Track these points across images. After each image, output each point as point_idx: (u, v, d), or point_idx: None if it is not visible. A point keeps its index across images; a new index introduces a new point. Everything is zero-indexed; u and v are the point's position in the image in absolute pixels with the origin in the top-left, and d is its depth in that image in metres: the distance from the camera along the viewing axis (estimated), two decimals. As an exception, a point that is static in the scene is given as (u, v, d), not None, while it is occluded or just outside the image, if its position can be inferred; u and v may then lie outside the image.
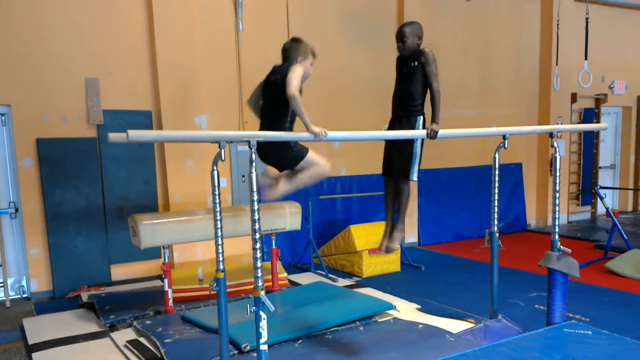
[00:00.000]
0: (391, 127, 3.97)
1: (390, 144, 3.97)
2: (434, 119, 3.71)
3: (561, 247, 3.98)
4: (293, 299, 4.99)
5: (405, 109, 3.84)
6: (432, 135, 3.63)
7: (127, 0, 5.95)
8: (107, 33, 5.87)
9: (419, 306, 5.01)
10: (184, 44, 6.14)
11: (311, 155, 3.43)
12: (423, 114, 3.83)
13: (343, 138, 3.95)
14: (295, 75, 3.22)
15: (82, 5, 5.73)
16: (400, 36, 3.80)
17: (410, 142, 3.79)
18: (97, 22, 5.81)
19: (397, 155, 3.84)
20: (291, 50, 3.44)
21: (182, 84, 6.17)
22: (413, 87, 3.79)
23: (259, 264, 2.88)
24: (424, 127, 3.81)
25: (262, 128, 3.43)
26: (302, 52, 3.43)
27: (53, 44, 5.62)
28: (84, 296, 5.39)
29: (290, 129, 3.38)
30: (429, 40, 7.86)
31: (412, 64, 3.80)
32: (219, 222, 3.21)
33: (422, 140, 3.79)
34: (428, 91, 3.82)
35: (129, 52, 6.01)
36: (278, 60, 3.56)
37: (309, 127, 3.16)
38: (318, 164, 3.44)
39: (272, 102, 3.40)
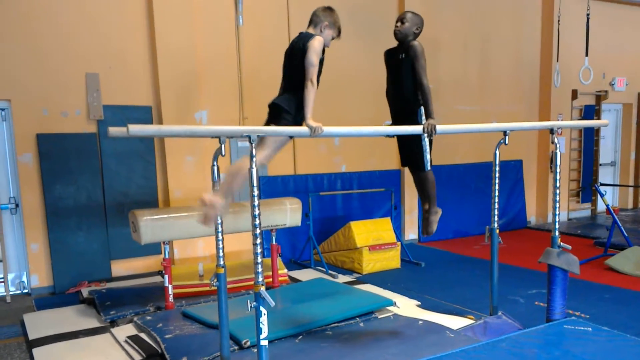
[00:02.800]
0: (395, 123, 4.02)
1: (400, 141, 4.07)
2: (428, 115, 3.72)
3: (561, 243, 3.99)
4: (293, 295, 4.99)
5: (404, 105, 3.90)
6: (431, 130, 3.62)
7: (128, -4, 5.94)
8: (107, 28, 5.86)
9: (419, 302, 5.02)
10: (184, 39, 6.12)
11: (279, 138, 3.37)
12: (422, 106, 3.88)
13: (341, 133, 3.97)
14: (313, 56, 3.30)
15: (83, 0, 5.71)
16: (401, 19, 3.89)
17: (418, 137, 3.88)
18: (98, 16, 5.80)
19: (409, 150, 3.96)
20: (320, 15, 3.54)
21: (183, 79, 6.16)
22: (406, 82, 3.84)
23: (259, 260, 2.87)
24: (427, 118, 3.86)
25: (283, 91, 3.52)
26: (331, 22, 3.53)
27: (53, 39, 5.61)
28: (85, 292, 5.40)
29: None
30: (429, 35, 7.87)
31: (400, 56, 3.85)
32: (219, 218, 3.20)
33: None
34: None
35: (129, 47, 5.99)
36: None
37: (307, 120, 3.20)
38: (266, 150, 3.31)
39: (292, 72, 3.45)
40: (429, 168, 3.96)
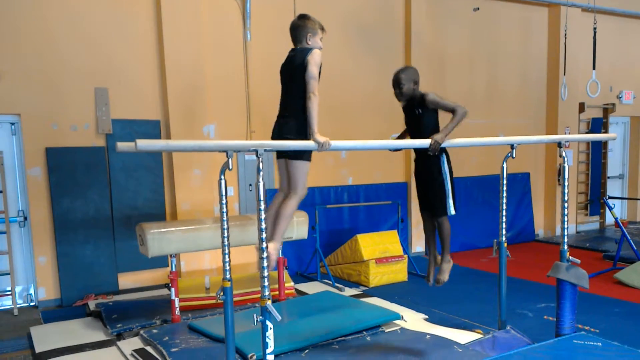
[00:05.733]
0: (417, 168, 4.00)
1: (421, 182, 4.00)
2: (443, 130, 3.68)
3: (570, 257, 3.96)
4: (300, 308, 4.97)
5: (427, 151, 3.82)
6: (435, 146, 3.61)
7: (136, 11, 6.02)
8: (116, 43, 5.93)
9: (427, 316, 4.98)
10: (193, 54, 6.19)
11: (305, 168, 3.45)
12: (445, 150, 3.84)
13: (349, 147, 3.96)
14: (314, 69, 3.26)
15: (92, 16, 5.80)
16: (397, 83, 3.81)
17: (441, 180, 3.82)
18: (107, 32, 5.87)
19: (431, 192, 3.89)
20: (299, 30, 3.46)
21: (191, 93, 6.21)
22: (426, 130, 3.78)
23: (265, 273, 2.88)
24: (448, 162, 3.84)
25: (281, 115, 3.47)
26: (311, 29, 3.44)
27: (63, 54, 5.68)
28: (91, 304, 5.40)
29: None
30: (436, 50, 7.92)
31: (417, 112, 3.80)
32: (226, 231, 3.21)
33: (451, 174, 3.83)
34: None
35: (138, 62, 6.06)
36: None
37: (314, 135, 3.17)
38: (300, 185, 3.49)
39: (294, 89, 3.41)
40: (452, 212, 3.86)
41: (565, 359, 3.50)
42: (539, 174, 9.27)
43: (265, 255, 2.89)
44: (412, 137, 3.92)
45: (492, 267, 6.60)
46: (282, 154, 3.52)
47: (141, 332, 4.47)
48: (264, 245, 2.87)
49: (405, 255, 6.55)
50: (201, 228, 4.79)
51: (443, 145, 3.68)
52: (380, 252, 6.34)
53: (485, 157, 8.42)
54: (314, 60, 3.32)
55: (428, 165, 3.87)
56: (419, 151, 3.95)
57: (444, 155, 3.84)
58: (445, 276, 3.97)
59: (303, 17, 3.49)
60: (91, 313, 5.23)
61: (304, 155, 3.42)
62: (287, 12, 6.80)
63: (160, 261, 5.96)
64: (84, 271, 5.81)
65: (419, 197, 4.08)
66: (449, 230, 3.96)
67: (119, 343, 4.38)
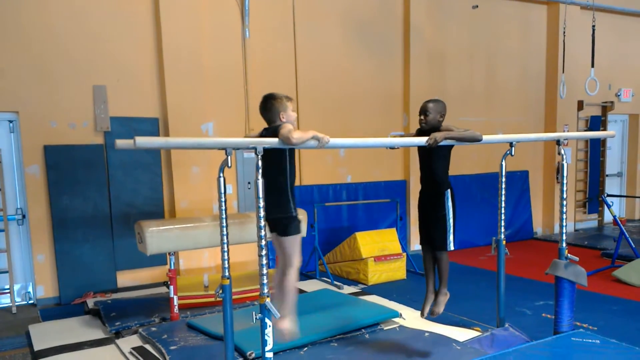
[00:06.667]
0: (421, 201, 4.04)
1: (424, 215, 4.05)
2: (446, 132, 3.70)
3: (569, 255, 3.96)
4: (298, 306, 4.90)
5: (432, 186, 3.92)
6: (432, 143, 3.62)
7: (135, 9, 6.00)
8: (114, 41, 5.92)
9: (425, 314, 4.99)
10: (191, 52, 6.17)
11: (297, 241, 3.44)
12: (450, 188, 3.91)
13: (347, 145, 3.92)
14: (286, 130, 3.05)
15: (91, 14, 5.78)
16: (424, 111, 3.88)
17: (443, 216, 3.88)
18: (105, 30, 5.86)
19: (433, 227, 3.94)
20: (270, 113, 3.34)
21: (189, 91, 6.20)
22: (435, 164, 3.87)
23: (264, 271, 2.88)
24: (452, 199, 3.89)
25: (267, 193, 3.26)
26: (280, 107, 3.32)
27: (61, 52, 5.67)
28: (90, 302, 5.40)
29: (293, 194, 3.37)
30: (436, 48, 7.91)
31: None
32: (224, 229, 3.21)
33: (454, 211, 3.88)
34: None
35: (136, 59, 6.05)
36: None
37: (313, 133, 3.10)
38: (295, 257, 3.48)
39: (271, 169, 3.25)
40: (451, 248, 3.93)
41: (563, 357, 3.51)
42: (537, 171, 9.28)
43: (281, 327, 3.18)
44: (422, 167, 3.98)
45: (490, 265, 6.60)
46: (273, 229, 3.46)
47: (140, 330, 4.47)
48: (263, 243, 2.87)
49: (404, 253, 6.56)
50: (200, 226, 4.78)
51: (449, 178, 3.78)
52: (379, 250, 6.35)
53: (483, 155, 8.43)
54: (286, 126, 3.10)
55: (432, 200, 3.93)
56: (424, 186, 4.01)
57: (448, 192, 3.89)
58: (440, 308, 4.03)
59: (268, 99, 3.36)
60: (90, 311, 5.23)
61: (293, 229, 3.39)
62: (286, 9, 6.81)
63: (159, 259, 5.94)
64: (82, 269, 5.80)
65: (420, 230, 4.12)
66: (448, 264, 4.02)
67: (117, 341, 4.38)
